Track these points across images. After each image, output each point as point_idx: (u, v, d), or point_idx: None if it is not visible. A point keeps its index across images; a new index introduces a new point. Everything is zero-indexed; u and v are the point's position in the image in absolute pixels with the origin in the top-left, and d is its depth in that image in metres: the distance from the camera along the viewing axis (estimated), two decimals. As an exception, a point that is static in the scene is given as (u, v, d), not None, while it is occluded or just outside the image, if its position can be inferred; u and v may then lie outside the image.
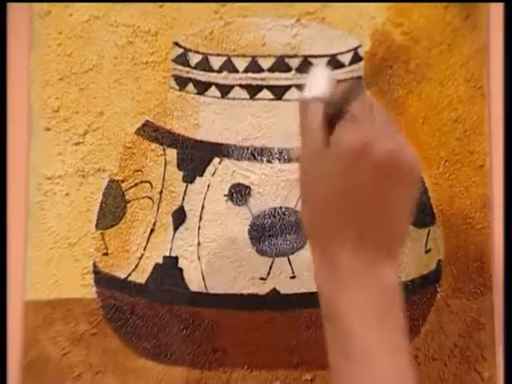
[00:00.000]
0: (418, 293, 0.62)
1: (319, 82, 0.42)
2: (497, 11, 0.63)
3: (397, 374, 0.38)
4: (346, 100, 0.41)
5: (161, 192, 0.61)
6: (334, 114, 0.41)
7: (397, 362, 0.38)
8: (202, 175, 0.61)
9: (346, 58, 0.62)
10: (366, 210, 0.40)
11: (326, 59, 0.62)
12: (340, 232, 0.40)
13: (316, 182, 0.41)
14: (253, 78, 0.61)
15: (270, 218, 0.61)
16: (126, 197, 0.61)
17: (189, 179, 0.61)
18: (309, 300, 0.60)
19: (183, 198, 0.61)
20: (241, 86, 0.61)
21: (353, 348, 0.38)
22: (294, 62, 0.62)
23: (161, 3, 0.62)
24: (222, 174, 0.61)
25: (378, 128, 0.40)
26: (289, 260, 0.61)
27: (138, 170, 0.62)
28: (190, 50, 0.62)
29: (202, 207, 0.61)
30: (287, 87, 0.61)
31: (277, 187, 0.61)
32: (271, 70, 0.61)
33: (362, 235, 0.40)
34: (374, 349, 0.38)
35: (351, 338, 0.38)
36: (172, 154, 0.61)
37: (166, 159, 0.61)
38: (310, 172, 0.42)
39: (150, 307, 0.61)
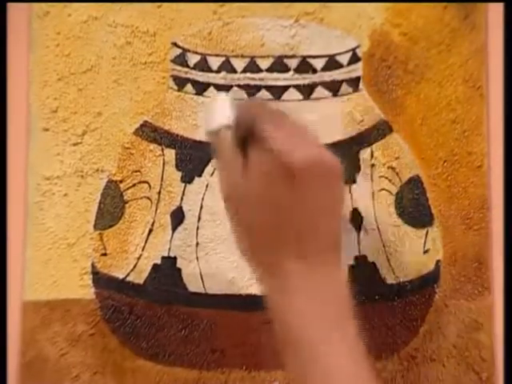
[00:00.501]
0: (417, 293, 0.62)
1: (221, 110, 0.43)
2: (495, 11, 0.63)
3: (353, 375, 0.38)
4: (250, 120, 0.41)
5: (159, 192, 0.61)
6: (244, 136, 0.41)
7: (353, 363, 0.38)
8: (200, 175, 0.61)
9: (344, 59, 0.62)
10: (297, 218, 0.40)
11: (324, 59, 0.62)
12: (279, 244, 0.40)
13: (242, 207, 0.42)
14: (251, 79, 0.61)
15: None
16: (125, 197, 0.61)
17: (187, 179, 0.61)
18: (307, 300, 0.60)
19: (182, 199, 0.61)
20: (239, 86, 0.61)
21: (304, 352, 0.39)
22: (293, 63, 0.62)
23: (159, 4, 0.62)
24: (220, 174, 0.61)
25: (289, 138, 0.40)
26: (287, 260, 0.60)
27: (136, 171, 0.62)
28: (189, 51, 0.62)
29: (201, 207, 0.61)
30: (286, 87, 0.61)
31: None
32: (270, 70, 0.61)
33: (301, 241, 0.40)
34: (326, 351, 0.38)
35: (303, 343, 0.39)
36: (170, 154, 0.61)
37: (164, 159, 0.61)
38: (233, 199, 0.43)
39: (149, 307, 0.61)
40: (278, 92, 0.61)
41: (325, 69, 0.62)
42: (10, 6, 0.62)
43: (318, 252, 0.40)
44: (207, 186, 0.61)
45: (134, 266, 0.61)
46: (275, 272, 0.41)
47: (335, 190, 0.42)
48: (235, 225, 0.43)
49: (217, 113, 0.43)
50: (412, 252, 0.62)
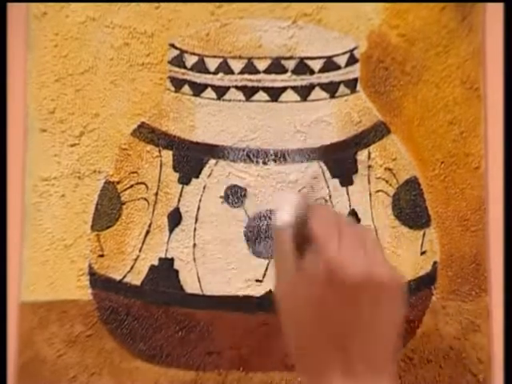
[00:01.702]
0: (414, 295, 0.62)
1: (286, 207, 0.42)
2: (493, 13, 0.63)
3: None
4: (308, 223, 0.41)
5: (156, 193, 0.61)
6: (304, 237, 0.41)
7: None
8: (197, 177, 0.61)
9: (342, 60, 0.62)
10: (348, 333, 0.38)
11: (322, 61, 0.62)
12: (327, 357, 0.39)
13: (294, 310, 0.41)
14: (249, 80, 0.61)
15: (265, 219, 0.61)
16: (122, 198, 0.61)
17: (184, 181, 0.61)
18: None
19: (179, 200, 0.61)
20: (237, 87, 0.61)
21: None
22: (290, 64, 0.62)
23: (157, 5, 0.62)
24: (217, 175, 0.61)
25: (345, 248, 0.39)
26: (284, 262, 0.60)
27: (133, 172, 0.62)
28: (186, 52, 0.62)
29: (198, 209, 0.61)
30: (283, 89, 0.61)
31: (272, 189, 0.61)
32: (267, 71, 0.61)
33: (350, 358, 0.38)
34: None
35: None
36: (168, 155, 0.61)
37: (161, 161, 0.61)
38: (286, 301, 0.41)
39: (146, 309, 0.61)
40: (275, 93, 0.61)
41: (322, 70, 0.62)
42: (8, 7, 0.62)
43: (368, 373, 0.38)
44: (204, 187, 0.61)
45: (131, 268, 0.61)
46: None
47: (391, 310, 0.39)
48: (286, 326, 0.42)
49: (282, 209, 0.43)
50: (409, 253, 0.62)
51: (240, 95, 0.61)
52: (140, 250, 0.61)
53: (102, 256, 0.61)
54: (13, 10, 0.62)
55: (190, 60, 0.62)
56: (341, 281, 0.38)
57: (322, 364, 0.39)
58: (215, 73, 0.61)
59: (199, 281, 0.61)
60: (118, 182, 0.61)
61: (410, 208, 0.62)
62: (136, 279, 0.61)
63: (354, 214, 0.61)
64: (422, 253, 0.62)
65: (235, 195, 0.61)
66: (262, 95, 0.61)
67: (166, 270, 0.61)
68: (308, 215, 0.41)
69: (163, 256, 0.61)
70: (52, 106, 0.62)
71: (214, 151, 0.61)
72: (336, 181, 0.61)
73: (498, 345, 0.61)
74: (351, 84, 0.62)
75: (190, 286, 0.61)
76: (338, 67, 0.62)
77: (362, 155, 0.62)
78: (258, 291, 0.61)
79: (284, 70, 0.61)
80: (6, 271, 0.61)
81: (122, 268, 0.61)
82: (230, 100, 0.61)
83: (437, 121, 0.62)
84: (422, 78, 0.63)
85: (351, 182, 0.62)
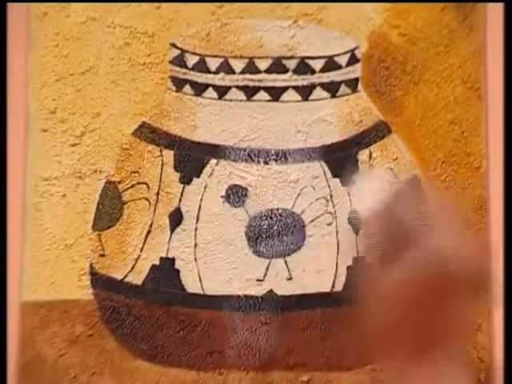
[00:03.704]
0: (415, 294, 0.61)
1: (374, 193, 0.41)
2: (494, 13, 0.63)
3: None
4: (402, 214, 0.40)
5: (157, 193, 0.61)
6: (394, 226, 0.40)
7: None
8: (198, 176, 0.61)
9: (343, 60, 0.62)
10: (434, 324, 0.38)
11: (323, 60, 0.62)
12: (412, 345, 0.39)
13: (381, 299, 0.39)
14: (250, 80, 0.61)
15: (266, 219, 0.61)
16: (123, 198, 0.61)
17: (186, 180, 0.61)
18: (305, 301, 0.60)
19: (180, 200, 0.61)
20: (238, 87, 0.61)
21: None
22: (291, 64, 0.62)
23: (158, 4, 0.62)
24: (218, 175, 0.61)
25: (445, 241, 0.38)
26: (285, 262, 0.61)
27: (134, 172, 0.62)
28: (187, 52, 0.62)
29: (199, 208, 0.61)
30: (284, 88, 0.61)
31: (274, 188, 0.61)
32: (268, 71, 0.61)
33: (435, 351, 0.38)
34: None
35: None
36: (169, 155, 0.61)
37: (162, 160, 0.61)
38: (376, 292, 0.40)
39: (147, 308, 0.61)
40: (276, 93, 0.61)
41: (323, 70, 0.62)
42: (9, 7, 0.62)
43: (450, 360, 0.38)
44: (205, 187, 0.61)
45: (133, 267, 0.61)
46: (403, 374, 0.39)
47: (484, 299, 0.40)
48: (369, 314, 0.40)
49: (368, 196, 0.42)
50: (410, 253, 0.62)
51: (241, 95, 0.61)
52: (141, 250, 0.61)
53: (103, 256, 0.61)
54: (13, 10, 0.62)
55: (191, 60, 0.62)
56: (441, 275, 0.37)
57: (407, 354, 0.39)
58: (216, 72, 0.61)
59: (200, 280, 0.60)
60: (119, 182, 0.61)
61: (411, 208, 0.62)
62: (137, 279, 0.61)
63: (355, 214, 0.61)
64: (423, 252, 0.62)
65: (236, 195, 0.61)
66: (263, 95, 0.61)
67: (167, 269, 0.61)
68: (397, 202, 0.41)
69: (164, 256, 0.61)
70: (53, 106, 0.62)
71: (215, 151, 0.61)
72: (337, 180, 0.61)
73: (499, 345, 0.61)
74: (352, 84, 0.62)
75: (191, 285, 0.60)
76: (339, 67, 0.62)
77: (363, 155, 0.62)
78: (259, 291, 0.60)
79: (285, 70, 0.61)
80: (7, 271, 0.61)
81: (123, 268, 0.61)
82: (231, 100, 0.61)
83: (438, 120, 0.62)
84: (423, 77, 0.63)
85: (352, 182, 0.62)
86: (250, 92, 0.61)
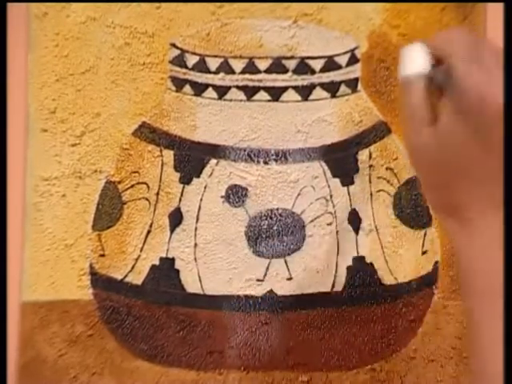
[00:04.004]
0: (415, 294, 0.62)
1: (418, 58, 0.42)
2: (494, 13, 0.63)
3: None
4: (448, 72, 0.40)
5: (157, 193, 0.61)
6: (437, 88, 0.41)
7: None
8: (198, 176, 0.61)
9: (343, 60, 0.62)
10: (485, 164, 0.40)
11: (322, 60, 0.62)
12: (466, 195, 0.40)
13: (430, 161, 0.42)
14: (250, 80, 0.61)
15: (266, 219, 0.61)
16: (123, 198, 0.61)
17: (185, 180, 0.61)
18: (305, 302, 0.60)
19: (180, 200, 0.61)
20: (238, 87, 0.61)
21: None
22: (291, 64, 0.62)
23: (158, 4, 0.62)
24: (218, 175, 0.61)
25: (488, 79, 0.41)
26: (285, 261, 0.61)
27: (134, 172, 0.62)
28: (187, 52, 0.62)
29: (199, 208, 0.61)
30: (284, 88, 0.61)
31: (274, 188, 0.61)
32: (268, 71, 0.61)
33: (490, 187, 0.40)
34: None
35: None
36: (169, 155, 0.61)
37: (162, 160, 0.61)
38: (420, 152, 0.42)
39: (147, 308, 0.61)
40: (276, 93, 0.61)
41: (323, 70, 0.62)
42: (9, 7, 0.62)
43: (495, 209, 0.40)
44: (205, 187, 0.61)
45: (133, 267, 0.61)
46: (464, 225, 0.40)
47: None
48: (423, 178, 0.43)
49: (413, 60, 0.43)
50: (410, 253, 0.62)
51: (241, 95, 0.61)
52: (141, 250, 0.61)
53: (103, 256, 0.61)
54: (13, 10, 0.62)
55: (191, 60, 0.62)
56: (487, 114, 0.39)
57: (464, 194, 0.41)
58: (216, 72, 0.61)
59: (200, 280, 0.61)
60: (119, 182, 0.61)
61: (411, 208, 0.62)
62: (137, 279, 0.61)
63: (355, 213, 0.61)
64: (423, 252, 0.62)
65: (236, 195, 0.61)
66: (263, 95, 0.61)
67: (167, 269, 0.61)
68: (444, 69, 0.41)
69: (164, 256, 0.61)
70: (53, 106, 0.62)
71: (215, 151, 0.61)
72: (337, 180, 0.62)
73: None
74: (352, 84, 0.62)
75: (191, 285, 0.61)
76: (339, 67, 0.62)
77: (362, 155, 0.62)
78: (259, 291, 0.61)
79: (285, 70, 0.61)
80: (7, 271, 0.61)
81: (123, 268, 0.61)
82: (231, 100, 0.61)
83: (438, 120, 0.62)
84: (423, 77, 0.62)
85: (352, 182, 0.62)
86: (249, 92, 0.61)
